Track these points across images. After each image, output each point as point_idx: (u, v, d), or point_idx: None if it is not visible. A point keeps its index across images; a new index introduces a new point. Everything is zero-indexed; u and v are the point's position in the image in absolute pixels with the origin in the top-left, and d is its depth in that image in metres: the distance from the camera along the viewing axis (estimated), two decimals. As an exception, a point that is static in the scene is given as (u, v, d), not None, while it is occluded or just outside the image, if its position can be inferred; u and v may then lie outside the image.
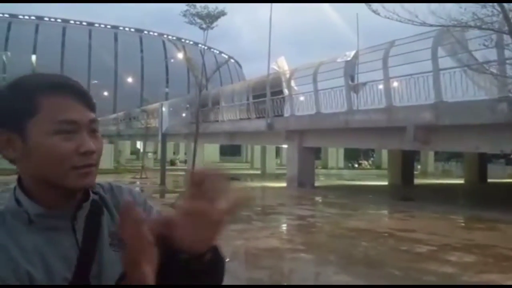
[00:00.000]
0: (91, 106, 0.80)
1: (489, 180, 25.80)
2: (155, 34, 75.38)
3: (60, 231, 0.77)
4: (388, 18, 8.57)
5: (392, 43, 13.54)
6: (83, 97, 0.79)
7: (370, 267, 5.95)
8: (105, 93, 60.17)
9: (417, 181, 23.53)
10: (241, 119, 22.25)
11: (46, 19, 66.18)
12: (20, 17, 64.65)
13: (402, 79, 13.48)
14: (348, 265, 6.06)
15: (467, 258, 6.53)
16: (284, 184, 19.27)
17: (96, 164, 0.79)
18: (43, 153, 0.74)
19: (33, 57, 61.13)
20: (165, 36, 74.03)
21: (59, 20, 67.08)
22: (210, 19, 11.70)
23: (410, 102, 13.17)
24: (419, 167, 36.79)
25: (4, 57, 60.25)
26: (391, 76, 13.61)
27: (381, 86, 14.13)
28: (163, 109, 20.13)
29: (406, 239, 7.99)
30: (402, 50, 13.10)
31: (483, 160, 25.97)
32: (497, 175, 28.11)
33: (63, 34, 65.48)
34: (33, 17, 65.44)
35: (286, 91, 18.84)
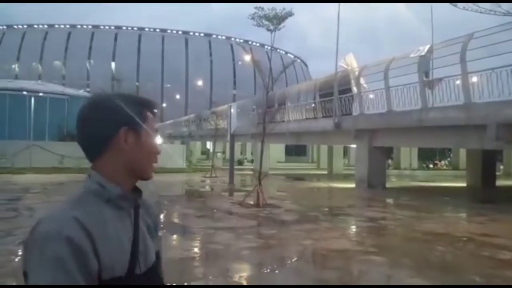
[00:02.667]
0: (155, 114, 1.11)
1: None
2: (223, 37, 77.41)
3: (125, 211, 1.01)
4: (467, 9, 8.05)
5: (471, 35, 12.67)
6: (155, 108, 1.11)
7: (448, 272, 5.64)
8: (177, 96, 63.02)
9: (499, 183, 21.79)
10: (307, 118, 22.12)
11: (124, 28, 70.76)
12: (101, 27, 69.82)
13: (483, 73, 12.56)
14: (423, 269, 5.78)
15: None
16: (352, 185, 18.84)
17: None
18: (146, 149, 1.05)
19: (113, 64, 65.63)
20: (232, 39, 75.76)
21: (135, 28, 71.45)
22: (277, 21, 11.76)
23: (491, 98, 12.23)
24: (501, 167, 34.00)
25: (88, 65, 65.53)
26: (469, 71, 12.74)
27: (458, 82, 13.27)
28: (232, 110, 20.61)
29: (487, 244, 7.45)
30: (482, 43, 12.21)
31: None
32: None
33: (139, 41, 69.61)
34: (112, 27, 70.33)
35: (355, 89, 18.40)
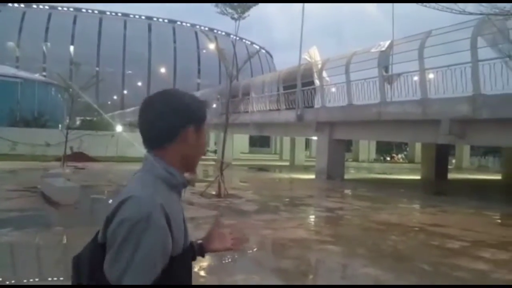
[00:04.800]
0: None
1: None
2: (188, 25, 76.09)
3: (178, 195, 1.17)
4: (426, 6, 8.29)
5: (429, 33, 13.12)
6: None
7: (399, 261, 5.86)
8: (139, 83, 61.47)
9: (451, 176, 22.88)
10: (270, 110, 22.22)
11: (84, 10, 67.95)
12: (59, 8, 66.69)
13: (439, 70, 13.05)
14: (376, 258, 5.97)
15: (501, 255, 6.29)
16: (313, 176, 19.18)
17: None
18: (201, 147, 1.20)
19: (71, 48, 62.96)
20: (197, 27, 74.56)
21: (96, 12, 68.77)
22: (241, 9, 11.64)
23: (446, 95, 12.75)
24: (453, 161, 35.68)
25: (44, 48, 62.50)
26: (426, 67, 13.21)
27: (416, 78, 13.73)
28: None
29: (437, 234, 7.80)
30: (439, 41, 12.66)
31: (523, 155, 24.86)
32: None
33: (100, 25, 67.12)
34: (71, 9, 67.36)
35: (317, 82, 18.63)
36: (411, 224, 9.02)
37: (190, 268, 1.18)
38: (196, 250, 1.29)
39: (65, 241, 6.72)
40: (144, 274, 0.99)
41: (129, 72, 64.25)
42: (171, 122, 1.14)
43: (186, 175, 1.20)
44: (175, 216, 1.08)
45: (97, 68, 61.04)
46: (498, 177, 25.15)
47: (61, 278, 4.58)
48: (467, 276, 5.16)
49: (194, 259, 1.27)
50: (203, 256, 1.33)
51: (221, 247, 1.34)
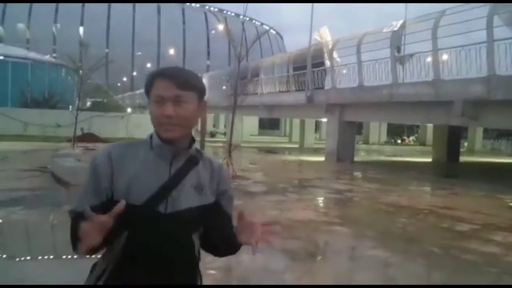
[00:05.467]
0: (180, 86, 1.23)
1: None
2: (197, 5, 75.23)
3: (164, 161, 1.26)
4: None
5: (443, 12, 12.74)
6: (175, 80, 1.23)
7: (409, 243, 5.80)
8: (148, 65, 61.33)
9: (463, 158, 22.58)
10: (280, 91, 22.02)
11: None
12: (69, -11, 66.29)
13: (452, 50, 12.72)
14: (385, 240, 5.92)
15: (512, 239, 6.21)
16: (322, 159, 19.08)
17: (180, 124, 1.23)
18: (152, 113, 1.25)
19: (81, 29, 62.79)
20: (207, 7, 73.77)
21: (105, -7, 68.26)
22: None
23: (459, 76, 12.45)
24: (466, 144, 35.22)
25: (54, 29, 62.49)
26: (440, 48, 12.88)
27: (429, 58, 13.42)
28: (203, 80, 20.20)
29: (447, 217, 7.71)
30: (453, 20, 12.30)
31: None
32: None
33: (109, 6, 66.69)
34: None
35: (327, 63, 18.35)
36: (421, 206, 8.93)
37: (158, 226, 1.22)
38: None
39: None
40: (78, 200, 1.25)
41: (139, 53, 63.99)
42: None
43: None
44: (133, 168, 1.23)
45: (106, 50, 60.93)
46: (511, 160, 24.80)
47: (75, 256, 4.65)
48: (478, 259, 5.09)
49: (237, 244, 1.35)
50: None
51: (247, 240, 1.29)
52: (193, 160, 1.30)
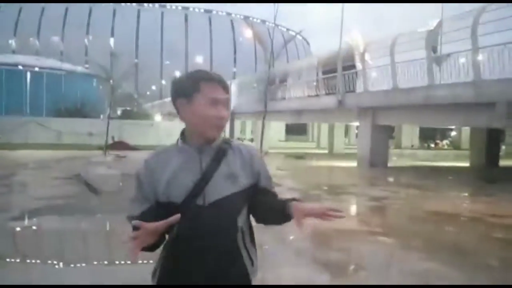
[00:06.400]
0: (226, 90, 1.40)
1: None
2: (224, 13, 75.80)
3: (194, 159, 1.39)
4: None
5: (483, 8, 12.12)
6: (223, 84, 1.39)
7: (462, 254, 5.33)
8: (177, 74, 62.17)
9: (502, 163, 21.49)
10: (309, 96, 21.63)
11: (123, 4, 69.10)
12: (99, 3, 68.17)
13: (494, 49, 12.05)
14: (434, 252, 5.47)
15: None
16: (353, 164, 18.55)
17: (224, 125, 1.40)
18: (200, 114, 1.35)
19: (111, 40, 64.37)
20: (233, 15, 74.22)
21: (134, 4, 69.80)
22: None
23: (502, 75, 11.77)
24: (503, 147, 33.67)
25: (86, 41, 64.32)
26: (480, 46, 12.24)
27: (468, 58, 12.78)
28: (232, 87, 20.11)
29: (498, 226, 7.16)
30: (494, 17, 11.67)
31: None
32: None
33: (138, 17, 68.15)
34: (110, 3, 68.67)
35: (359, 65, 17.87)
36: (466, 214, 8.38)
37: (200, 217, 1.35)
38: (290, 210, 1.36)
39: (107, 227, 6.65)
40: (130, 207, 1.41)
41: (167, 62, 64.95)
42: (173, 102, 1.42)
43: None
44: (163, 170, 1.38)
45: (136, 60, 62.21)
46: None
47: (105, 262, 4.54)
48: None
49: (287, 217, 1.38)
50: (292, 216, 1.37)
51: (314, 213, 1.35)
52: (221, 152, 1.42)
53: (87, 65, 50.61)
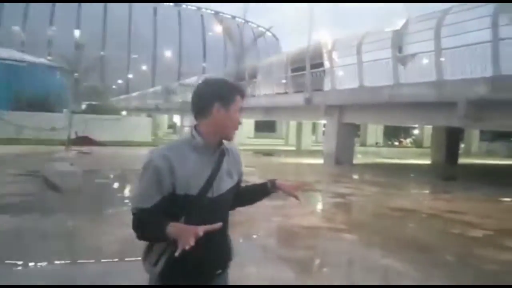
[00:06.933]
0: (243, 98, 1.66)
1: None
2: (193, 8, 74.92)
3: (206, 156, 1.59)
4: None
5: (447, 10, 12.49)
6: (244, 95, 1.66)
7: (421, 251, 5.48)
8: (144, 67, 60.91)
9: (461, 160, 22.35)
10: (278, 93, 21.70)
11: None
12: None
13: (456, 50, 12.44)
14: (396, 248, 5.60)
15: (530, 246, 5.92)
16: (320, 161, 18.78)
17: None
18: (232, 120, 1.61)
19: (77, 32, 62.27)
20: (203, 10, 73.49)
21: (101, -5, 67.77)
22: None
23: (463, 76, 12.18)
24: (462, 146, 35.02)
25: (49, 32, 61.92)
26: (443, 47, 12.61)
27: (432, 58, 13.14)
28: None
29: (456, 222, 7.42)
30: (457, 19, 12.05)
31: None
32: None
33: (105, 9, 66.24)
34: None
35: (327, 64, 18.06)
36: (427, 210, 8.64)
37: (208, 208, 1.56)
38: (269, 187, 1.90)
39: (66, 227, 6.41)
40: (141, 199, 1.53)
41: (135, 56, 63.53)
42: (204, 102, 1.59)
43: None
44: (187, 165, 1.52)
45: (102, 53, 60.52)
46: (508, 162, 24.60)
47: (68, 261, 4.40)
48: (498, 268, 4.79)
49: (267, 193, 1.91)
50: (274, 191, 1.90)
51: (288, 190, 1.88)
52: (223, 153, 1.65)
53: (50, 57, 48.80)
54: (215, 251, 1.61)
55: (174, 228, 1.39)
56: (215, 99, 1.57)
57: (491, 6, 10.77)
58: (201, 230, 1.37)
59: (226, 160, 1.65)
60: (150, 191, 1.50)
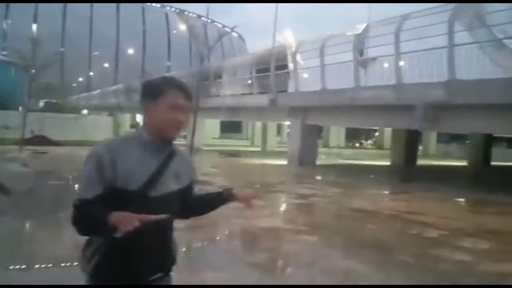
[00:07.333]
0: (189, 99, 1.59)
1: (492, 163, 25.39)
2: (158, 5, 73.60)
3: (150, 154, 1.55)
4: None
5: (406, 16, 12.84)
6: (186, 93, 1.58)
7: (380, 252, 5.54)
8: (106, 65, 59.16)
9: (419, 162, 23.08)
10: (243, 94, 21.63)
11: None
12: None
13: (414, 54, 12.82)
14: (355, 249, 5.65)
15: (482, 245, 6.11)
16: (284, 162, 18.86)
17: (183, 128, 1.59)
18: (164, 117, 1.53)
19: (34, 26, 59.61)
20: (168, 8, 72.31)
21: (60, -11, 65.24)
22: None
23: (421, 80, 12.56)
24: (421, 148, 36.27)
25: (4, 25, 58.99)
26: (402, 52, 12.96)
27: (391, 62, 13.47)
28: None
29: (414, 222, 7.59)
30: (416, 24, 12.41)
31: (488, 142, 25.50)
32: (500, 158, 27.65)
33: (64, 4, 63.82)
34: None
35: (291, 66, 18.16)
36: (386, 211, 8.81)
37: (150, 206, 1.46)
38: (224, 196, 1.87)
39: (14, 231, 6.04)
40: (83, 190, 1.47)
41: (96, 53, 61.60)
42: (141, 100, 1.59)
43: None
44: (130, 159, 1.48)
45: (62, 49, 58.29)
46: (464, 163, 25.69)
47: (23, 266, 4.15)
48: (453, 269, 4.90)
49: (223, 202, 1.89)
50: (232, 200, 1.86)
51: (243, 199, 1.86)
52: (172, 154, 1.60)
53: (5, 52, 46.48)
54: (152, 253, 1.55)
55: (117, 215, 1.34)
56: (147, 95, 1.56)
57: (448, 13, 11.15)
58: (145, 217, 1.34)
59: (175, 162, 1.60)
60: (92, 181, 1.46)
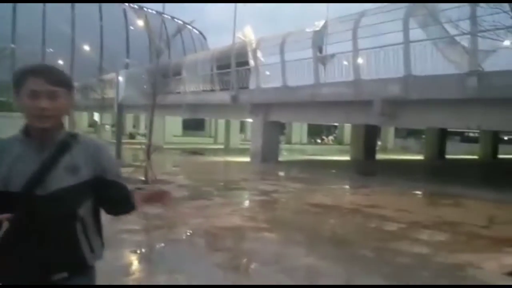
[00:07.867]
0: (52, 82, 1.42)
1: (447, 157, 26.45)
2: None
3: (35, 149, 1.43)
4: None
5: (363, 13, 13.03)
6: (47, 77, 1.42)
7: (340, 247, 5.53)
8: (60, 62, 56.77)
9: (378, 156, 23.68)
10: (204, 91, 21.32)
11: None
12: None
13: (372, 51, 13.04)
14: (316, 245, 5.62)
15: (438, 237, 6.25)
16: (247, 159, 18.77)
17: (53, 115, 1.43)
18: (24, 106, 1.42)
19: (-20, 21, 56.32)
20: (126, 4, 70.36)
21: (8, -17, 61.94)
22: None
23: (379, 76, 12.80)
24: (379, 143, 37.28)
25: None
26: (360, 48, 13.15)
27: (350, 59, 13.65)
28: (119, 78, 18.84)
29: (373, 216, 7.68)
30: (373, 21, 12.62)
31: (443, 136, 26.52)
32: (453, 152, 28.88)
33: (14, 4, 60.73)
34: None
35: (252, 62, 18.06)
36: (347, 206, 8.88)
37: (40, 206, 1.39)
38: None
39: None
40: None
41: (50, 50, 58.98)
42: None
43: None
44: (3, 160, 1.41)
45: (12, 45, 55.42)
46: (420, 157, 26.58)
47: None
48: (411, 262, 4.95)
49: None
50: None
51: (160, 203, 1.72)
52: (65, 145, 1.47)
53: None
54: (47, 251, 1.42)
55: None
56: (13, 85, 1.46)
57: (403, 10, 11.40)
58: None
59: (70, 155, 1.46)
60: None
